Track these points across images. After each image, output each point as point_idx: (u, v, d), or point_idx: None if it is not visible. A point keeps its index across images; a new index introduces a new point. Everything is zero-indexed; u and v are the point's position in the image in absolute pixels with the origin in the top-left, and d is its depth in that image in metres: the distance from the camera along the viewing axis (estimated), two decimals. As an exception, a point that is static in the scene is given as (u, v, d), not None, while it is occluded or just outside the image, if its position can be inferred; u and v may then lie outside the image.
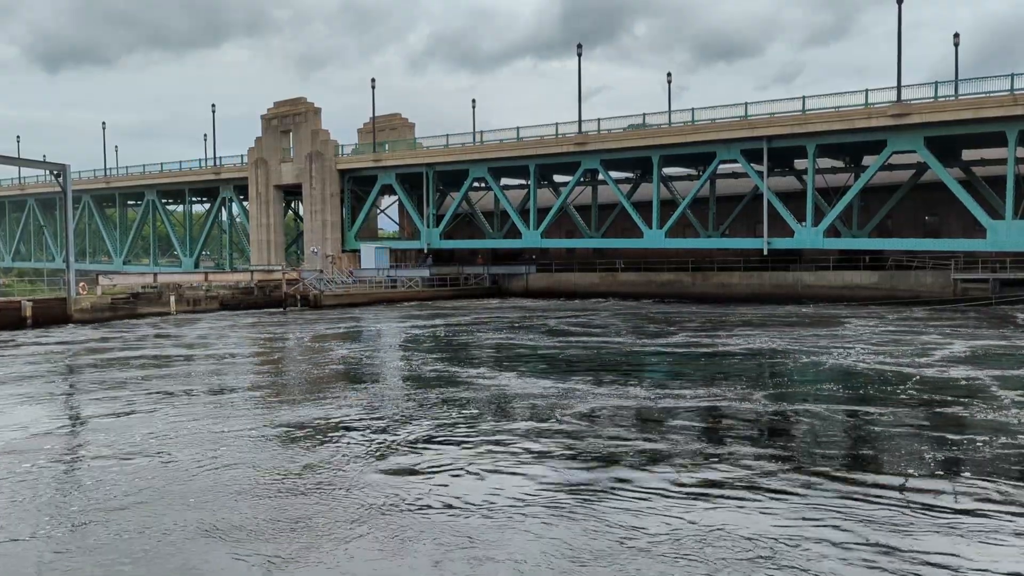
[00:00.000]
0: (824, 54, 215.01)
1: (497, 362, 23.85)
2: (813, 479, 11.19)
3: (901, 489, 10.70)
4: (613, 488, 10.82)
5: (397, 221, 79.58)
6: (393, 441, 13.62)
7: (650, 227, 55.30)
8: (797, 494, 10.49)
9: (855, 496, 10.39)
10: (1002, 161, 45.13)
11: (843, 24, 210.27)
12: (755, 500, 10.29)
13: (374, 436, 14.00)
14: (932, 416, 15.46)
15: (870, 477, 11.27)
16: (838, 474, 11.52)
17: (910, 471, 11.54)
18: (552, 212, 59.90)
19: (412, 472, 11.72)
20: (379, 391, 18.64)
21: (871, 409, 16.17)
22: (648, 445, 13.24)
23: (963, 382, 19.38)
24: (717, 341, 28.98)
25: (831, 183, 54.94)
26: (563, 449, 12.98)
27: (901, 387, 18.74)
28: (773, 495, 10.50)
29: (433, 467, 11.97)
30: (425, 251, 67.18)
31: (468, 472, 11.71)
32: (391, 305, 54.07)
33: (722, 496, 10.44)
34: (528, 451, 12.89)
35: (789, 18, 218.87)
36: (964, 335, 30.21)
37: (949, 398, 17.21)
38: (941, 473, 11.48)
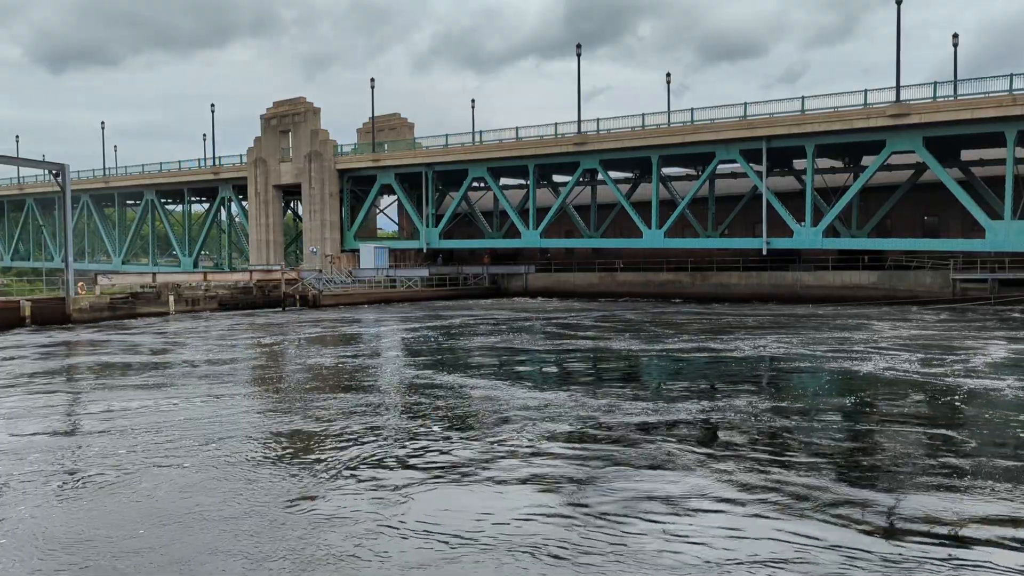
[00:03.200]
0: (829, 54, 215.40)
1: (490, 368, 22.95)
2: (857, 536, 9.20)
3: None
4: (606, 521, 9.70)
5: (396, 221, 79.63)
6: (366, 463, 12.49)
7: (649, 227, 55.31)
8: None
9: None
10: (1001, 161, 45.15)
11: (848, 24, 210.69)
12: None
13: (349, 456, 12.92)
14: (991, 442, 13.63)
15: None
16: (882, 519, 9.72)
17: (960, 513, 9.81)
18: (551, 212, 59.89)
19: (383, 499, 10.70)
20: (363, 402, 17.50)
21: (931, 430, 14.45)
22: (661, 477, 11.53)
23: (1012, 395, 17.62)
24: (730, 346, 27.33)
25: (830, 183, 54.96)
26: (555, 473, 11.69)
27: (951, 401, 16.98)
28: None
29: (410, 491, 10.98)
30: (424, 251, 67.17)
31: (447, 497, 10.76)
32: (390, 305, 54.07)
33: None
34: (513, 477, 11.61)
35: (794, 18, 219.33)
36: (996, 338, 28.91)
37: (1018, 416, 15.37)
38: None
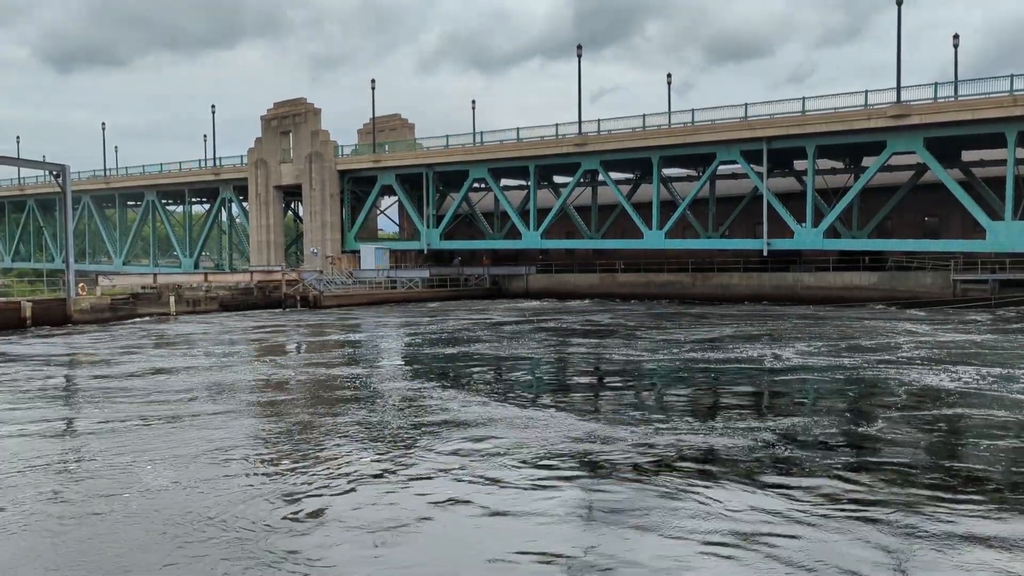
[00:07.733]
0: (836, 55, 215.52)
1: (484, 379, 21.92)
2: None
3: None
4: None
5: (397, 222, 79.65)
6: (350, 485, 11.54)
7: (650, 228, 55.31)
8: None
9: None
10: (1001, 162, 45.15)
11: (857, 25, 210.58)
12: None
13: (335, 476, 12.01)
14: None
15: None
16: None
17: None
18: (552, 213, 59.92)
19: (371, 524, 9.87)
20: (351, 416, 16.29)
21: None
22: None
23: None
24: (744, 355, 25.52)
25: (831, 184, 55.00)
26: (554, 507, 10.49)
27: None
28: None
29: (402, 515, 10.20)
30: (425, 252, 67.18)
31: (441, 520, 10.12)
32: (391, 306, 54.05)
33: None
34: (508, 503, 10.66)
35: (802, 19, 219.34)
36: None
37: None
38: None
